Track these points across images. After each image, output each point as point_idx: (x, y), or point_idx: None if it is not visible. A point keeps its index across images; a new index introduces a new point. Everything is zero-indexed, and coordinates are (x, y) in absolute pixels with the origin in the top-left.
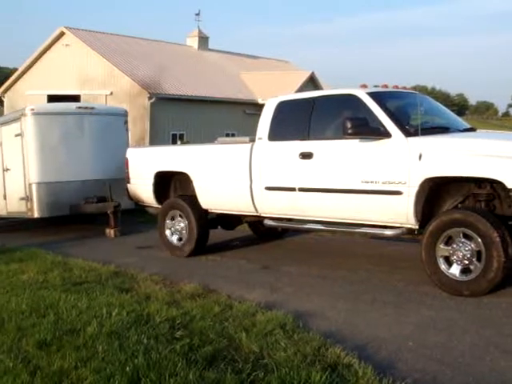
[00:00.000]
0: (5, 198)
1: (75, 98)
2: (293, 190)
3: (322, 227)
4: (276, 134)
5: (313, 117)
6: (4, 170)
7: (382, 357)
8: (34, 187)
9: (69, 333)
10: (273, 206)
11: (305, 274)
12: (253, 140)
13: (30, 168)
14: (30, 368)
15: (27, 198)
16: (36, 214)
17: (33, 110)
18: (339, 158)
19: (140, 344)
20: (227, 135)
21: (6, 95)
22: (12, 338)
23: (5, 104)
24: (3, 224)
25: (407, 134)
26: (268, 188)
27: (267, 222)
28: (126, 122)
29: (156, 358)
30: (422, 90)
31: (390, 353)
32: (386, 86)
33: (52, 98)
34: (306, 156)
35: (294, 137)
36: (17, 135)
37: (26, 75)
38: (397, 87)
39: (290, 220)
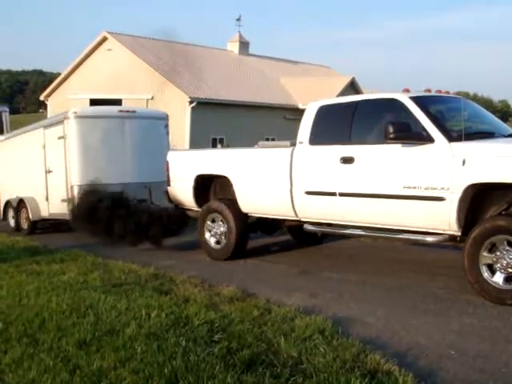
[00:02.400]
0: (47, 199)
1: (117, 102)
2: (333, 194)
3: (363, 233)
4: (317, 138)
5: (354, 121)
6: (47, 172)
7: (422, 364)
8: (75, 189)
9: (108, 333)
10: (313, 211)
11: (344, 280)
12: (294, 144)
13: (72, 170)
14: (70, 367)
15: (69, 200)
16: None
17: (75, 113)
18: (381, 163)
19: (178, 346)
20: (267, 140)
21: (49, 99)
22: (52, 337)
23: (48, 108)
24: (45, 225)
25: (450, 138)
26: (308, 192)
27: (307, 227)
28: (166, 126)
29: (194, 360)
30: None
31: (431, 361)
32: (429, 91)
33: (94, 102)
34: (347, 160)
35: (335, 141)
36: (60, 138)
37: (69, 79)
38: (440, 92)
39: (329, 225)
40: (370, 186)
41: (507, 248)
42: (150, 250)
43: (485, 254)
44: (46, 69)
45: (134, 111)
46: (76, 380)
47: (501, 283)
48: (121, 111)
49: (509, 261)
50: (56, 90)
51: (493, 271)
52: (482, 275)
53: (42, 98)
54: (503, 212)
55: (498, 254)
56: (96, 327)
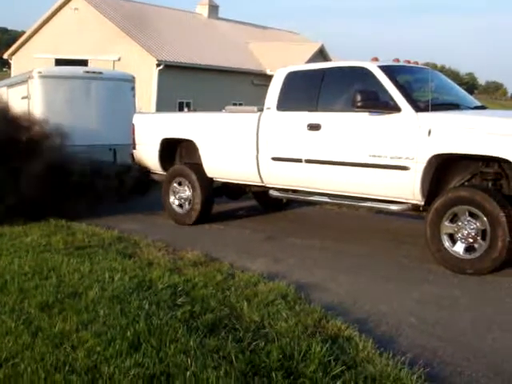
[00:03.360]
0: None
1: (83, 63)
2: (299, 161)
3: (328, 200)
4: (284, 104)
5: (322, 88)
6: None
7: (382, 331)
8: None
9: (71, 296)
10: (279, 177)
11: (308, 246)
12: (261, 110)
13: None
14: (32, 329)
15: None
16: None
17: (40, 72)
18: (347, 131)
19: (141, 309)
20: (234, 105)
21: (13, 58)
22: (14, 299)
23: (12, 67)
24: None
25: (417, 109)
26: (274, 158)
27: (273, 193)
28: (133, 88)
29: (157, 323)
30: (432, 67)
31: (391, 327)
32: (397, 61)
33: (60, 62)
34: (314, 127)
35: (303, 108)
36: (23, 98)
37: (33, 38)
38: (408, 62)
39: (295, 191)
40: (336, 154)
41: (468, 218)
42: (115, 212)
43: (446, 223)
44: (11, 26)
45: (100, 72)
46: (38, 342)
47: (461, 253)
48: (87, 72)
49: (469, 231)
50: (20, 48)
51: (454, 241)
52: (443, 245)
53: (5, 56)
54: (466, 183)
55: (460, 224)
56: (58, 290)
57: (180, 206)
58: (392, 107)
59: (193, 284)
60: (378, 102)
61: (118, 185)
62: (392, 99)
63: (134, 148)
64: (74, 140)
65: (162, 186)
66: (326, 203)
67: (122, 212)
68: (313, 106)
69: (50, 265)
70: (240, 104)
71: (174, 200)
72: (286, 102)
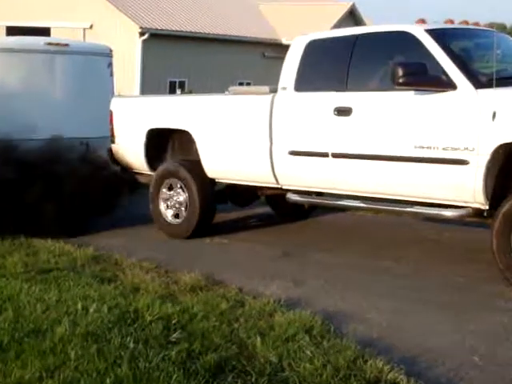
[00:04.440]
0: None
1: (44, 32)
2: (325, 155)
3: (362, 204)
4: (305, 82)
5: (353, 61)
6: None
7: (437, 374)
8: None
9: (32, 334)
10: (298, 176)
11: (337, 264)
12: (274, 90)
13: None
14: None
15: None
16: None
17: None
18: (386, 116)
19: (125, 349)
20: (241, 84)
21: None
22: None
23: None
24: None
25: (478, 84)
26: (293, 153)
27: (291, 197)
28: (110, 65)
29: (145, 367)
30: (499, 28)
31: (449, 370)
32: (451, 22)
33: (12, 31)
34: (343, 112)
35: (328, 87)
36: None
37: None
38: (466, 23)
39: (319, 194)
40: (371, 146)
41: None
42: (89, 224)
43: None
44: None
45: (66, 44)
46: None
47: None
48: (49, 44)
49: None
50: None
51: None
52: None
53: None
54: None
55: None
56: (16, 326)
57: (173, 215)
58: (445, 84)
59: (191, 315)
60: (425, 78)
61: (92, 189)
62: (444, 73)
63: (113, 142)
64: (33, 132)
65: (148, 190)
66: (360, 209)
67: (99, 223)
68: (341, 85)
69: (4, 294)
70: (248, 84)
71: (165, 207)
72: (307, 80)
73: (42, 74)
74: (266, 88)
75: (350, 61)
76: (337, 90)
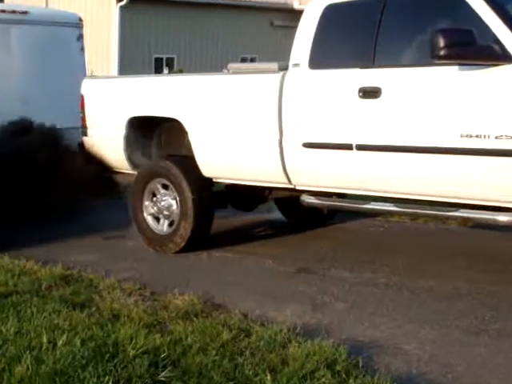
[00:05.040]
0: None
1: None
2: (348, 147)
3: (395, 208)
4: (322, 58)
5: (382, 30)
6: None
7: None
8: None
9: None
10: (315, 174)
11: (365, 283)
12: (285, 68)
13: None
14: None
15: None
16: None
17: None
18: (424, 98)
19: None
20: (243, 61)
21: None
22: None
23: None
24: None
25: None
26: (308, 145)
27: (306, 199)
28: (80, 37)
29: None
30: None
31: None
32: None
33: None
34: (370, 94)
35: (351, 63)
36: None
37: None
38: None
39: (342, 196)
40: (405, 135)
41: None
42: (57, 236)
43: None
44: None
45: (24, 12)
46: None
47: None
48: (2, 12)
49: None
50: None
51: None
52: None
53: None
54: None
55: None
56: None
57: (161, 223)
58: (498, 56)
59: (184, 347)
60: (474, 49)
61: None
62: (498, 42)
63: (85, 134)
64: None
65: (130, 193)
66: (392, 213)
67: (70, 234)
68: (368, 60)
69: None
70: (252, 60)
71: (150, 214)
72: (325, 55)
73: None
74: (275, 65)
75: (379, 29)
76: (362, 67)
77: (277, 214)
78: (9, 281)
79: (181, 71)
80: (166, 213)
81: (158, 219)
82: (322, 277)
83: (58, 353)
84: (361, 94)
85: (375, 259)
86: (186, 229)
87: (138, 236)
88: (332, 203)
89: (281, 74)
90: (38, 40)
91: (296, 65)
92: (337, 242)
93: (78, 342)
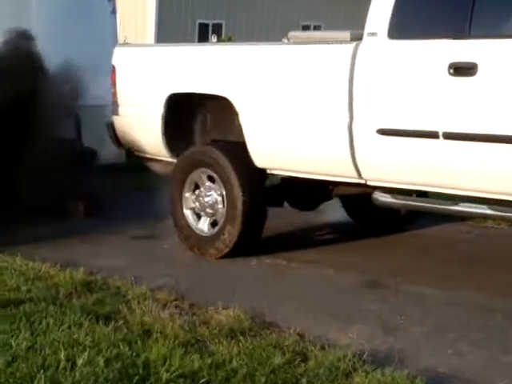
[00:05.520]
0: None
1: None
2: (434, 136)
3: (490, 211)
4: (404, 26)
5: None
6: None
7: None
8: None
9: None
10: (391, 167)
11: (449, 302)
12: (358, 38)
13: None
14: None
15: None
16: None
17: None
18: None
19: None
20: (306, 29)
21: None
22: None
23: None
24: None
25: None
26: (384, 131)
27: (380, 198)
28: None
29: None
30: None
31: None
32: None
33: None
34: (464, 71)
35: (441, 32)
36: None
37: None
38: None
39: (423, 195)
40: (505, 122)
41: None
42: (79, 236)
43: None
44: None
45: None
46: None
47: None
48: None
49: None
50: None
51: None
52: None
53: None
54: None
55: None
56: None
57: (204, 222)
58: None
59: (228, 372)
60: None
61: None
62: None
63: (116, 112)
64: None
65: (168, 185)
66: (487, 217)
67: (94, 232)
68: (461, 29)
69: None
70: (315, 28)
71: (191, 211)
72: (408, 22)
73: (10, 12)
74: (346, 34)
75: None
76: (454, 37)
77: (342, 215)
78: (21, 286)
79: (230, 39)
80: (209, 211)
81: (199, 216)
82: (395, 292)
83: (77, 373)
84: (452, 70)
85: (462, 274)
86: (231, 234)
87: (175, 236)
88: (411, 203)
89: (353, 44)
90: (61, 1)
91: (372, 34)
92: (415, 250)
93: (101, 361)
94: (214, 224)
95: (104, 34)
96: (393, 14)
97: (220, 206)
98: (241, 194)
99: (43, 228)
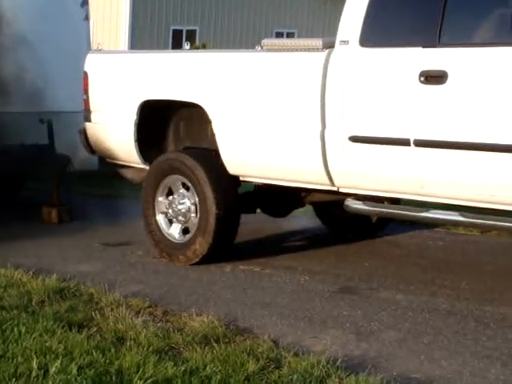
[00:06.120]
0: None
1: None
2: (405, 143)
3: (460, 218)
4: (376, 33)
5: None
6: None
7: None
8: None
9: None
10: (363, 174)
11: (422, 308)
12: (330, 45)
13: None
14: None
15: None
16: None
17: None
18: (500, 85)
19: None
20: (278, 36)
21: None
22: None
23: None
24: None
25: None
26: (356, 139)
27: (351, 205)
28: (84, 3)
29: None
30: None
31: None
32: None
33: None
34: (434, 79)
35: (412, 40)
36: None
37: None
38: None
39: (394, 202)
40: (475, 129)
41: None
42: (53, 242)
43: None
44: None
45: None
46: None
47: None
48: None
49: None
50: None
51: None
52: None
53: None
54: None
55: None
56: None
57: (176, 228)
58: None
59: (202, 379)
60: None
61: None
62: None
63: (88, 119)
64: None
65: (140, 192)
66: (457, 224)
67: (66, 238)
68: (431, 37)
69: None
70: (290, 35)
71: (164, 218)
72: (379, 30)
73: None
74: (318, 41)
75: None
76: (425, 46)
77: (315, 222)
78: None
79: (204, 46)
80: (181, 218)
81: (170, 221)
82: (368, 299)
83: (50, 382)
84: (422, 78)
85: (435, 280)
86: (202, 245)
87: (148, 244)
88: (383, 210)
89: (325, 52)
90: (35, 6)
91: (344, 42)
92: (387, 257)
93: (74, 369)
94: (185, 231)
95: (80, 40)
96: (364, 21)
97: (193, 214)
98: (214, 206)
99: (15, 234)
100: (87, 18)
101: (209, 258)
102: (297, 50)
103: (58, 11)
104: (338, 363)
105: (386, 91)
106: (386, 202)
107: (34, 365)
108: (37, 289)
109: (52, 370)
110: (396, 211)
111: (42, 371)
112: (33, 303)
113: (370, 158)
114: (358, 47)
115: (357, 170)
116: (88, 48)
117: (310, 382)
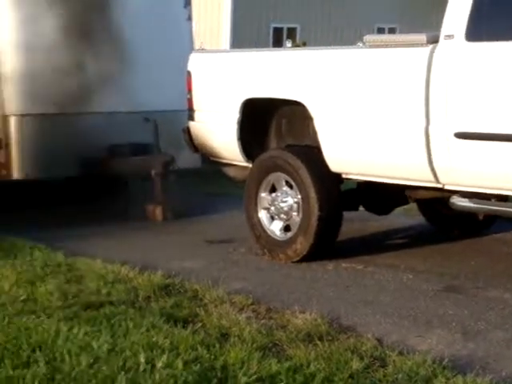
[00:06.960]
0: None
1: None
2: None
3: None
4: (483, 27)
5: None
6: None
7: None
8: (13, 123)
9: None
10: (470, 171)
11: None
12: (435, 40)
13: (5, 86)
14: None
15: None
16: (16, 175)
17: None
18: None
19: None
20: (380, 31)
21: None
22: None
23: None
24: None
25: None
26: (462, 135)
27: (457, 202)
28: (187, 4)
29: None
30: None
31: None
32: None
33: None
34: None
35: None
36: None
37: None
38: None
39: (503, 200)
40: None
41: None
42: (156, 240)
43: None
44: None
45: None
46: None
47: None
48: None
49: None
50: None
51: None
52: None
53: None
54: None
55: None
56: None
57: (279, 226)
58: None
59: (306, 376)
60: None
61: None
62: None
63: (192, 118)
64: (77, 104)
65: (242, 190)
66: None
67: (170, 236)
68: None
69: (34, 339)
70: (390, 31)
71: (266, 216)
72: (487, 23)
73: (90, 16)
74: (422, 36)
75: None
76: None
77: (419, 219)
78: (101, 289)
79: (304, 44)
80: (283, 216)
81: (272, 218)
82: (475, 298)
83: (157, 376)
84: None
85: None
86: (303, 245)
87: (252, 241)
88: (491, 207)
89: (430, 47)
90: (139, 8)
91: (449, 36)
92: (495, 255)
93: (180, 363)
94: (286, 228)
95: (182, 40)
96: (471, 14)
97: (295, 213)
98: (317, 207)
99: (121, 231)
100: (190, 18)
101: (310, 257)
102: (400, 46)
103: (163, 12)
104: (445, 363)
105: (493, 86)
106: (493, 200)
107: (142, 359)
108: (143, 285)
109: (159, 364)
110: (504, 209)
111: (149, 365)
112: (139, 299)
113: (476, 154)
114: (463, 41)
115: (462, 166)
116: (191, 48)
117: (416, 381)
